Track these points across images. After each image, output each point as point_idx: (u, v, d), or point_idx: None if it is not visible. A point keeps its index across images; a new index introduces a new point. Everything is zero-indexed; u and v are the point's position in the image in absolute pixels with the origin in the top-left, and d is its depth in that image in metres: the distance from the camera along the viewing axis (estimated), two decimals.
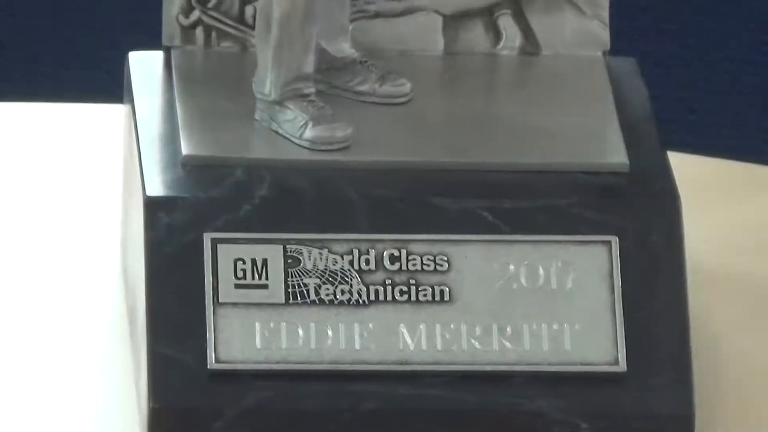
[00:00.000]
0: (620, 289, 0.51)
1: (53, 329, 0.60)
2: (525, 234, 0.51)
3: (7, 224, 0.68)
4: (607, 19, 0.59)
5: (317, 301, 0.50)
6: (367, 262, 0.51)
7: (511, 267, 0.50)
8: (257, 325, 0.50)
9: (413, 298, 0.51)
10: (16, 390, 0.58)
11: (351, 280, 0.51)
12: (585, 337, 0.50)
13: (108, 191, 0.63)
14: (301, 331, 0.50)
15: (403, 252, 0.51)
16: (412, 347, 0.50)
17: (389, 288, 0.51)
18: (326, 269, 0.51)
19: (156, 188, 0.52)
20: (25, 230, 0.66)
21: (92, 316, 0.59)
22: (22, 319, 0.61)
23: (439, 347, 0.50)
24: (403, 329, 0.50)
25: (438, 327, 0.50)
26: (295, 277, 0.51)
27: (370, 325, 0.50)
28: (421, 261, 0.51)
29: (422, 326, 0.50)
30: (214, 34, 0.57)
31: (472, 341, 0.50)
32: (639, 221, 0.51)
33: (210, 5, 0.57)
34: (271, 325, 0.50)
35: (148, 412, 0.49)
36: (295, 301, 0.50)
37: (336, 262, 0.51)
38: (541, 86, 0.59)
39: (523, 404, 0.49)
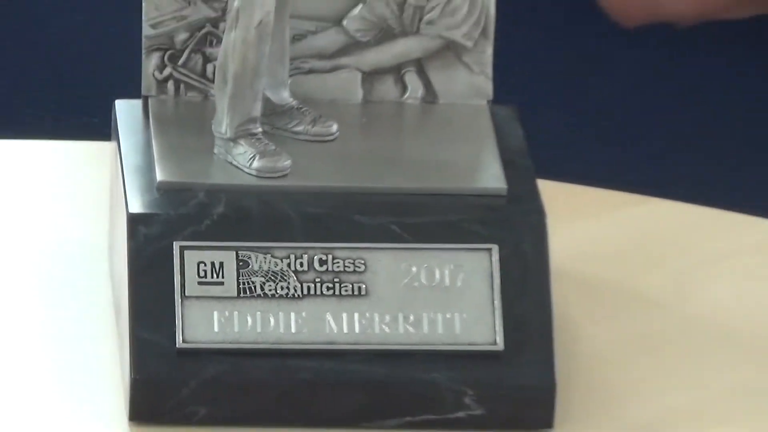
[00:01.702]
0: (499, 287, 0.59)
1: (53, 320, 0.67)
2: (425, 243, 0.59)
3: (14, 233, 0.74)
4: (490, 75, 0.66)
5: (262, 295, 0.58)
6: (301, 264, 0.59)
7: (414, 269, 0.58)
8: (215, 314, 0.58)
9: (337, 293, 0.59)
10: (23, 371, 0.65)
11: (288, 278, 0.58)
12: (471, 324, 0.58)
13: (97, 209, 0.69)
14: (249, 319, 0.58)
15: (330, 257, 0.59)
16: (336, 331, 0.58)
17: (318, 285, 0.59)
18: (269, 270, 0.58)
19: (136, 207, 0.59)
20: (29, 238, 0.73)
21: (84, 308, 0.66)
22: (26, 312, 0.68)
23: (357, 331, 0.58)
24: (329, 317, 0.58)
25: (356, 315, 0.58)
26: (245, 276, 0.58)
27: (303, 314, 0.58)
28: (344, 264, 0.59)
29: (344, 315, 0.58)
30: (182, 87, 0.64)
31: (383, 326, 0.58)
32: (514, 233, 0.60)
33: (179, 63, 0.64)
34: (226, 313, 0.58)
35: (130, 382, 0.57)
36: (245, 295, 0.58)
37: (277, 265, 0.58)
38: (437, 128, 0.66)
39: (423, 376, 0.57)
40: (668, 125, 1.11)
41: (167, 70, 0.66)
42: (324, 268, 0.60)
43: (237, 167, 0.63)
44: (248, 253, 0.61)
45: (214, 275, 0.60)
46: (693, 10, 1.04)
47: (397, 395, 0.59)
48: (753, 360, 0.69)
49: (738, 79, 1.11)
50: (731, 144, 1.14)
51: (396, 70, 0.68)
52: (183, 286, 0.60)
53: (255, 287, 0.60)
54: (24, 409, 0.63)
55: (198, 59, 0.66)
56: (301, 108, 0.66)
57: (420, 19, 0.68)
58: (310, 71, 0.67)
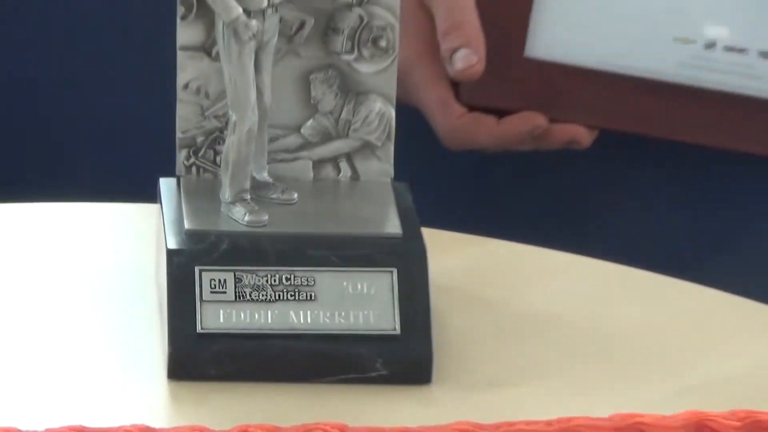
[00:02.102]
0: (397, 295, 0.74)
1: (117, 318, 0.80)
2: (352, 267, 0.74)
3: (91, 263, 0.87)
4: (392, 163, 0.80)
5: (250, 300, 0.74)
6: (275, 280, 0.74)
7: (345, 283, 0.74)
8: (221, 311, 0.73)
9: (297, 298, 0.74)
10: (94, 350, 0.78)
11: (267, 289, 0.74)
12: (380, 317, 0.74)
13: (148, 247, 0.84)
14: (242, 314, 0.73)
15: (293, 275, 0.74)
16: (296, 322, 0.74)
17: (285, 293, 0.74)
18: (255, 284, 0.74)
19: (172, 244, 0.75)
20: (102, 267, 0.86)
21: (138, 310, 0.81)
22: (97, 313, 0.81)
23: (309, 322, 0.74)
24: (292, 313, 0.74)
25: (309, 312, 0.74)
26: (240, 288, 0.74)
27: (276, 312, 0.73)
28: (301, 281, 0.74)
29: (301, 312, 0.74)
30: (201, 170, 0.78)
31: (326, 319, 0.74)
32: (406, 261, 0.75)
33: (199, 155, 0.78)
34: (228, 311, 0.73)
35: (168, 353, 0.73)
36: (239, 300, 0.73)
37: (260, 281, 0.74)
38: (360, 196, 0.80)
39: (351, 350, 0.73)
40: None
41: (192, 160, 0.80)
42: (289, 283, 0.75)
43: (235, 221, 0.78)
44: (242, 273, 0.76)
45: (220, 287, 0.76)
46: (494, 144, 1.09)
47: (334, 362, 0.74)
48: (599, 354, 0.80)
49: None
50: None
51: (334, 160, 0.81)
52: (201, 294, 0.75)
53: (246, 294, 0.76)
54: (93, 374, 0.76)
55: (211, 153, 0.80)
56: (274, 183, 0.79)
57: (349, 128, 0.80)
58: (281, 161, 0.81)
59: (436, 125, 1.06)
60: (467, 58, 1.03)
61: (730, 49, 1.06)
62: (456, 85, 1.06)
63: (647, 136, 1.08)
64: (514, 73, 1.07)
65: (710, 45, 1.05)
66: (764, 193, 1.18)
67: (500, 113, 1.05)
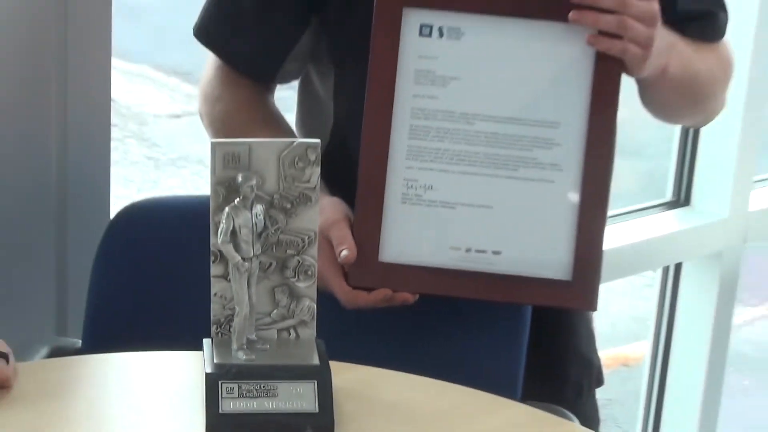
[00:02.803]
0: (318, 396, 1.40)
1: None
2: (294, 380, 1.42)
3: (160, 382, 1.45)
4: (314, 329, 1.36)
5: (245, 396, 1.35)
6: (258, 387, 1.37)
7: (292, 387, 1.36)
8: (231, 402, 1.32)
9: (267, 396, 1.36)
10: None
11: (253, 391, 1.39)
12: (308, 403, 1.46)
13: (201, 372, 1.33)
14: (240, 404, 1.35)
15: (265, 384, 1.38)
16: (268, 407, 1.37)
17: (263, 393, 1.33)
18: (247, 389, 1.35)
19: (208, 369, 1.33)
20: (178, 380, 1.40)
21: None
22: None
23: (273, 407, 1.35)
24: (265, 403, 1.37)
25: (274, 403, 1.32)
26: (240, 391, 1.34)
27: (256, 403, 1.37)
28: (269, 386, 1.38)
29: (272, 402, 1.33)
30: (222, 335, 1.38)
31: (283, 404, 1.32)
32: (323, 376, 1.43)
33: (222, 328, 1.37)
34: (235, 402, 1.33)
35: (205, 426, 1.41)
36: (240, 397, 1.33)
37: (250, 387, 1.35)
38: (299, 347, 1.39)
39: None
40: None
41: (218, 330, 1.41)
42: (263, 388, 1.42)
43: (238, 358, 1.29)
44: (242, 383, 1.34)
45: (231, 391, 1.35)
46: (367, 305, 1.62)
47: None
48: None
49: None
50: None
51: (287, 329, 1.39)
52: (221, 394, 1.31)
53: (243, 394, 1.39)
54: None
55: (227, 327, 1.38)
56: (258, 340, 1.33)
57: (294, 314, 1.39)
58: (261, 329, 1.34)
59: (337, 296, 1.61)
60: (347, 255, 1.59)
61: (479, 251, 1.64)
62: (345, 275, 1.59)
63: (452, 297, 1.66)
64: (374, 269, 1.61)
65: (468, 250, 1.63)
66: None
67: (369, 289, 1.60)
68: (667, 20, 1.57)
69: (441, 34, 1.56)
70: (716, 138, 2.89)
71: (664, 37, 1.56)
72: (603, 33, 1.51)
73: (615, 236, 2.75)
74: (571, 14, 1.49)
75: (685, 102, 1.75)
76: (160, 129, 4.79)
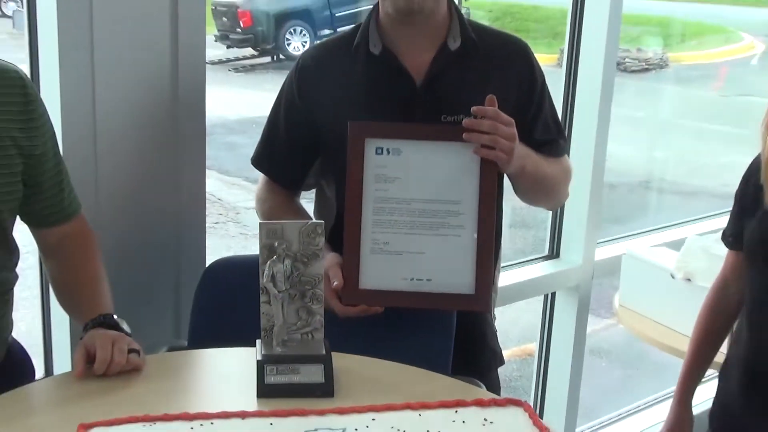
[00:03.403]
0: (323, 374, 1.73)
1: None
2: (304, 363, 1.82)
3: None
4: (323, 333, 1.74)
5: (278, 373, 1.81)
6: (288, 369, 1.75)
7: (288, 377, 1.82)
8: (272, 378, 1.81)
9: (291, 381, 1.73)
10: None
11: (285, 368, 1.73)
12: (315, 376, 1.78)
13: (253, 355, 1.67)
14: (281, 378, 1.97)
15: (293, 367, 1.75)
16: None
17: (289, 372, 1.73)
18: (278, 369, 1.74)
19: (258, 357, 1.74)
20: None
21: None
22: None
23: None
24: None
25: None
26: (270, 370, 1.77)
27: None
28: (290, 369, 1.74)
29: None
30: (267, 337, 1.78)
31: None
32: (327, 364, 1.76)
33: (267, 332, 1.77)
34: (277, 376, 1.92)
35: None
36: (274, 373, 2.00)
37: (280, 369, 1.74)
38: (312, 345, 1.76)
39: None
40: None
41: (265, 333, 1.92)
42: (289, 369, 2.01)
43: (274, 352, 1.73)
44: (273, 366, 1.78)
45: (274, 372, 1.91)
46: (356, 315, 1.92)
47: None
48: None
49: None
50: None
51: (307, 334, 1.88)
52: (265, 373, 1.86)
53: (275, 371, 1.91)
54: None
55: (271, 333, 1.89)
56: (289, 339, 1.79)
57: (308, 324, 1.84)
58: (293, 332, 1.87)
59: (335, 311, 1.97)
60: (338, 285, 1.94)
61: (418, 279, 1.96)
62: (339, 298, 1.97)
63: (405, 308, 2.01)
64: (356, 293, 1.97)
65: (412, 279, 1.97)
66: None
67: (354, 305, 1.97)
68: (528, 143, 2.04)
69: (389, 153, 1.98)
70: (573, 216, 3.69)
71: (522, 148, 1.99)
72: (483, 146, 1.93)
73: (515, 276, 3.57)
74: (464, 135, 1.92)
75: (539, 192, 2.18)
76: (249, 216, 6.32)
